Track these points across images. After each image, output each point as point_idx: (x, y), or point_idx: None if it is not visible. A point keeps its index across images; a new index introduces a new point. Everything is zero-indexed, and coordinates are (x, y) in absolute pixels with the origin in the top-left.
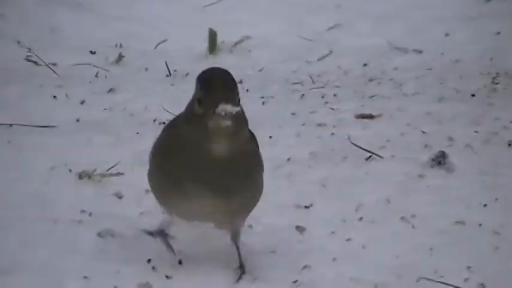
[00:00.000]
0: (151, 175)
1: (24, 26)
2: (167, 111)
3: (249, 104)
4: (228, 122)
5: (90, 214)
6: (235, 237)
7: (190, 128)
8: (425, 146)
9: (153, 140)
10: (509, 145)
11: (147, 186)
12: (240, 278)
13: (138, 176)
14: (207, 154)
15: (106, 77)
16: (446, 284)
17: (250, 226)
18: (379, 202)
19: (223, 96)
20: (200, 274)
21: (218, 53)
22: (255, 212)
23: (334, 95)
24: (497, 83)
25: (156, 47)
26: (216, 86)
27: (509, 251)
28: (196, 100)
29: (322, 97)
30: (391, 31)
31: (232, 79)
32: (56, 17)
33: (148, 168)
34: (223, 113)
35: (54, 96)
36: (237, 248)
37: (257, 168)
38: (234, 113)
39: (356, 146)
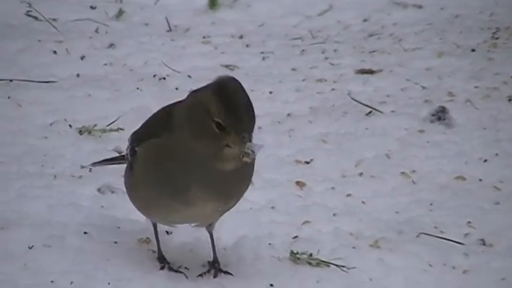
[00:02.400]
0: (141, 185)
1: None
2: (167, 66)
3: (249, 59)
4: (250, 160)
5: (90, 170)
6: (210, 228)
7: (201, 146)
8: (426, 101)
9: (155, 96)
10: (510, 100)
11: None
12: (216, 274)
13: None
14: (215, 169)
15: (106, 32)
16: (446, 239)
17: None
18: (379, 157)
19: (248, 128)
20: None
21: (218, 8)
22: (256, 169)
23: (334, 50)
24: (497, 38)
25: (156, 2)
26: (242, 114)
27: (509, 206)
28: (214, 122)
29: (323, 52)
30: None
31: (251, 103)
32: None
33: (130, 180)
34: (249, 152)
35: (54, 52)
36: (212, 240)
37: (252, 171)
38: (256, 154)
39: (356, 101)
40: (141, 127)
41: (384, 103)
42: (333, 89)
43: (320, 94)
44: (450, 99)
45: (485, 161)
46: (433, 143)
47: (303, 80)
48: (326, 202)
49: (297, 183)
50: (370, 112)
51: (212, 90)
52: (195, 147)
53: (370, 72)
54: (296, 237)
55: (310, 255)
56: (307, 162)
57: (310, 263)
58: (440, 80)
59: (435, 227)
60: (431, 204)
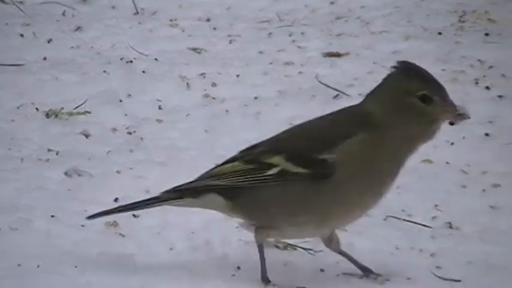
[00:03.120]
0: (344, 189)
1: None
2: (134, 49)
3: (216, 42)
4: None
5: (57, 153)
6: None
7: (411, 128)
8: None
9: (122, 79)
10: (476, 83)
11: (114, 124)
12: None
13: (105, 115)
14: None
15: (73, 15)
16: (413, 222)
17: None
18: None
19: (447, 92)
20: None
21: None
22: (222, 152)
23: (302, 33)
24: (464, 21)
25: None
26: (438, 81)
27: (476, 189)
28: (418, 98)
29: (290, 35)
30: None
31: None
32: None
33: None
34: (463, 112)
35: (21, 35)
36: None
37: None
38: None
39: (324, 84)
40: (301, 141)
41: (352, 86)
42: (300, 72)
43: (287, 77)
44: None
45: (452, 144)
46: None
47: (270, 63)
48: None
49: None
50: (338, 95)
51: (402, 72)
52: (407, 132)
53: (338, 55)
54: None
55: (277, 238)
56: None
57: (277, 247)
58: None
59: (403, 210)
60: (398, 188)
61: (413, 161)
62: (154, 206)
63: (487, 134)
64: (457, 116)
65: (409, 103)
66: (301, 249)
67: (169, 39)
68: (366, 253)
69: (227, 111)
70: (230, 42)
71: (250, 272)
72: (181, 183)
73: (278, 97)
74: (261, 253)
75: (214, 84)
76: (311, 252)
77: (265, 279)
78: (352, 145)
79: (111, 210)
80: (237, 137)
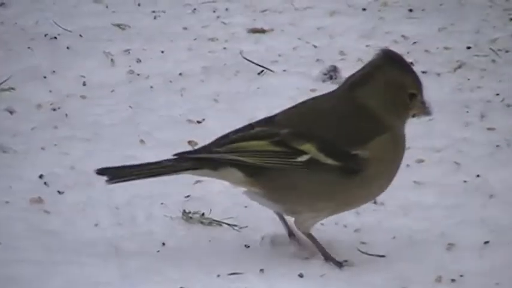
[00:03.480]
0: (371, 181)
1: None
2: (59, 25)
3: (141, 18)
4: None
5: None
6: None
7: (401, 123)
8: (317, 60)
9: (46, 55)
10: None
11: (39, 100)
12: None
13: (30, 91)
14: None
15: None
16: None
17: (142, 141)
18: None
19: None
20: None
21: None
22: (146, 128)
23: (226, 9)
24: None
25: None
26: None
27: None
28: (408, 94)
29: (214, 11)
30: None
31: None
32: None
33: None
34: (429, 111)
35: None
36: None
37: None
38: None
39: (248, 60)
40: (333, 132)
41: (276, 62)
42: (224, 48)
43: (212, 53)
44: (341, 58)
45: None
46: None
47: (195, 39)
48: None
49: (189, 142)
50: (262, 71)
51: (396, 66)
52: (401, 129)
53: (262, 31)
54: (188, 196)
55: (203, 214)
56: (199, 122)
57: (202, 222)
58: (331, 39)
59: None
60: None
61: None
62: (172, 174)
63: None
64: (425, 112)
65: (401, 99)
66: (226, 225)
67: (93, 15)
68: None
69: (152, 87)
70: (154, 18)
71: (175, 248)
72: (195, 148)
73: (203, 73)
74: (314, 240)
75: (138, 61)
76: (236, 228)
77: (337, 263)
78: (381, 143)
79: (127, 177)
80: (162, 113)
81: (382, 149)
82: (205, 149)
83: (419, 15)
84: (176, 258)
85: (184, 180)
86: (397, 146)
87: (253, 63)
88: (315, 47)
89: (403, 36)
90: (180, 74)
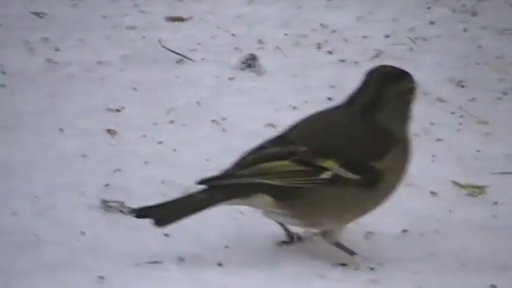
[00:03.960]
0: (384, 194)
1: None
2: None
3: (59, 6)
4: None
5: None
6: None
7: (409, 127)
8: (236, 48)
9: None
10: (318, 48)
11: None
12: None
13: None
14: None
15: None
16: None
17: (61, 130)
18: (190, 105)
19: None
20: (14, 176)
21: None
22: (65, 116)
23: None
24: None
25: None
26: None
27: None
28: (408, 91)
29: (133, 0)
30: None
31: None
32: None
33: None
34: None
35: None
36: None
37: None
38: None
39: (167, 49)
40: (354, 148)
41: (195, 51)
42: (143, 37)
43: (131, 42)
44: (260, 47)
45: (295, 108)
46: (243, 90)
47: (114, 27)
48: (137, 150)
49: (108, 131)
50: (181, 60)
51: (406, 79)
52: (409, 131)
53: (181, 19)
54: (107, 185)
55: (122, 203)
56: (119, 110)
57: (121, 211)
58: (250, 27)
59: None
60: (241, 151)
61: (256, 125)
62: (208, 209)
63: (329, 98)
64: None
65: (408, 105)
66: None
67: (11, 3)
68: (209, 215)
69: (71, 76)
70: (73, 6)
71: (94, 237)
72: (217, 175)
73: (122, 61)
74: (343, 247)
75: (57, 49)
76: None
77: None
78: (395, 155)
79: (173, 219)
80: (81, 102)
81: (396, 160)
82: (230, 174)
83: (337, 4)
84: (95, 247)
85: (103, 168)
86: (408, 153)
87: (172, 51)
88: (234, 35)
89: (321, 24)
90: (99, 62)
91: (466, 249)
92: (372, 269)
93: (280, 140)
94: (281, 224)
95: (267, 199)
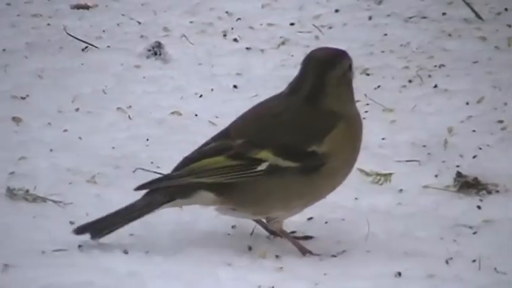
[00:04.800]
0: (334, 174)
1: None
2: None
3: None
4: None
5: None
6: None
7: (354, 103)
8: (141, 36)
9: None
10: (225, 35)
11: None
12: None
13: None
14: None
15: None
16: (161, 174)
17: None
18: (96, 93)
19: None
20: None
21: None
22: None
23: None
24: None
25: None
26: None
27: None
28: (349, 69)
29: None
30: None
31: None
32: None
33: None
34: None
35: None
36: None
37: None
38: None
39: (72, 36)
40: (287, 135)
41: (100, 38)
42: (48, 24)
43: (35, 29)
44: (166, 35)
45: (201, 96)
46: (149, 78)
47: (18, 15)
48: (43, 137)
49: (14, 118)
50: (87, 47)
51: (344, 58)
52: (354, 107)
53: (86, 7)
54: (13, 173)
55: (27, 191)
56: (23, 98)
57: (26, 199)
58: (155, 15)
59: (151, 162)
60: (147, 140)
61: (162, 113)
62: (151, 213)
63: (235, 86)
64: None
65: (349, 82)
66: (51, 202)
67: None
68: (114, 204)
69: None
70: None
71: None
72: (155, 179)
73: (26, 49)
74: (288, 236)
75: None
76: (61, 204)
77: (304, 251)
78: (338, 135)
79: (110, 228)
80: None
81: (339, 140)
82: (166, 177)
83: None
84: (0, 235)
85: (8, 156)
86: (354, 130)
87: (78, 39)
88: (139, 23)
89: (227, 12)
90: (4, 50)
91: (371, 236)
92: (277, 256)
93: (223, 134)
94: (257, 221)
95: (208, 196)
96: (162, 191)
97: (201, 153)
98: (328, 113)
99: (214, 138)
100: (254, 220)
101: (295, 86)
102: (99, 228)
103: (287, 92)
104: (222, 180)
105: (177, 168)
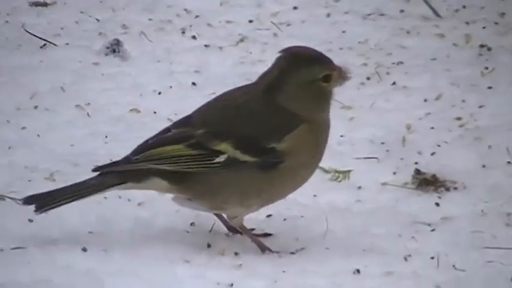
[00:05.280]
0: (294, 173)
1: None
2: None
3: None
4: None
5: None
6: None
7: (325, 108)
8: (100, 33)
9: None
10: (183, 32)
11: None
12: None
13: None
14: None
15: None
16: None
17: None
18: (54, 90)
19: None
20: None
21: None
22: None
23: None
24: None
25: None
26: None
27: None
28: (321, 79)
29: None
30: None
31: None
32: None
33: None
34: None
35: None
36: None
37: None
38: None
39: (30, 33)
40: (248, 128)
41: (59, 36)
42: (6, 22)
43: None
44: (124, 32)
45: (160, 93)
46: (108, 75)
47: None
48: (1, 135)
49: None
50: (45, 45)
51: (304, 63)
52: (325, 114)
53: (44, 4)
54: None
55: None
56: None
57: None
58: (114, 12)
59: (110, 159)
60: (106, 137)
61: (121, 110)
62: (99, 193)
63: (194, 83)
64: (346, 78)
65: (317, 90)
66: (9, 199)
67: None
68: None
69: None
70: None
71: None
72: (114, 160)
73: None
74: (248, 233)
75: None
76: (19, 202)
77: (263, 248)
78: (299, 135)
79: (56, 202)
80: None
81: (300, 141)
82: (125, 159)
83: None
84: None
85: None
86: (317, 135)
87: (36, 36)
88: (98, 20)
89: (185, 9)
90: None
91: (330, 233)
92: (236, 253)
93: (185, 121)
94: (218, 217)
95: (162, 183)
96: (116, 173)
97: (162, 140)
98: (291, 113)
99: (176, 125)
100: (215, 215)
101: (261, 76)
102: (46, 200)
103: (254, 83)
104: (179, 169)
105: (135, 152)
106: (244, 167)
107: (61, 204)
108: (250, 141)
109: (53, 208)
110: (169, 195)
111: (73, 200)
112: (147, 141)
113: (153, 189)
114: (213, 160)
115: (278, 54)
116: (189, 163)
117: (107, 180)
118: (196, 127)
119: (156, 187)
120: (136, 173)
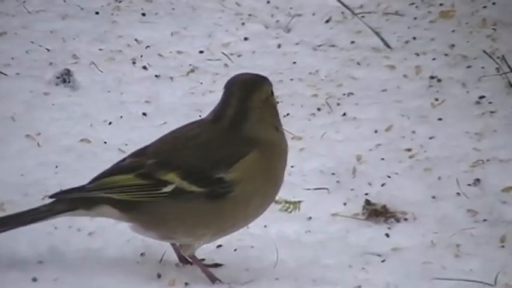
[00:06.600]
0: (246, 203)
1: None
2: None
3: None
4: None
5: None
6: None
7: (278, 132)
8: (50, 63)
9: None
10: (134, 62)
11: None
12: None
13: None
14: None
15: None
16: None
17: None
18: (4, 120)
19: None
20: None
21: None
22: None
23: None
24: (120, 1)
25: None
26: None
27: None
28: (271, 94)
29: None
30: None
31: None
32: None
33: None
34: None
35: None
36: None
37: None
38: None
39: None
40: (196, 159)
41: (9, 66)
42: None
43: None
44: (75, 62)
45: (110, 123)
46: (58, 105)
47: None
48: None
49: None
50: None
51: (265, 83)
52: (277, 136)
53: None
54: None
55: None
56: None
57: None
58: (64, 42)
59: (60, 189)
60: (56, 167)
61: (71, 140)
62: (50, 218)
63: (144, 114)
64: None
65: (271, 104)
66: None
67: None
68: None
69: None
70: None
71: None
72: (70, 188)
73: None
74: (198, 263)
75: None
76: None
77: (213, 279)
78: (248, 163)
79: (8, 226)
80: None
81: (250, 168)
82: (79, 187)
83: (152, 19)
84: None
85: None
86: (271, 160)
87: None
88: (48, 50)
89: (136, 40)
90: None
91: (280, 264)
92: (186, 284)
93: (139, 152)
94: (172, 246)
95: (112, 211)
96: (68, 200)
97: (116, 169)
98: (243, 140)
99: (131, 155)
100: (171, 244)
101: (220, 111)
102: None
103: (211, 118)
104: (128, 198)
105: (92, 181)
106: (192, 197)
107: (12, 228)
108: (197, 171)
109: (3, 232)
110: (124, 224)
111: (24, 225)
112: (104, 171)
113: (104, 216)
114: (160, 190)
115: (223, 90)
116: (137, 192)
117: (58, 207)
118: (148, 157)
119: (106, 215)
120: (88, 200)
